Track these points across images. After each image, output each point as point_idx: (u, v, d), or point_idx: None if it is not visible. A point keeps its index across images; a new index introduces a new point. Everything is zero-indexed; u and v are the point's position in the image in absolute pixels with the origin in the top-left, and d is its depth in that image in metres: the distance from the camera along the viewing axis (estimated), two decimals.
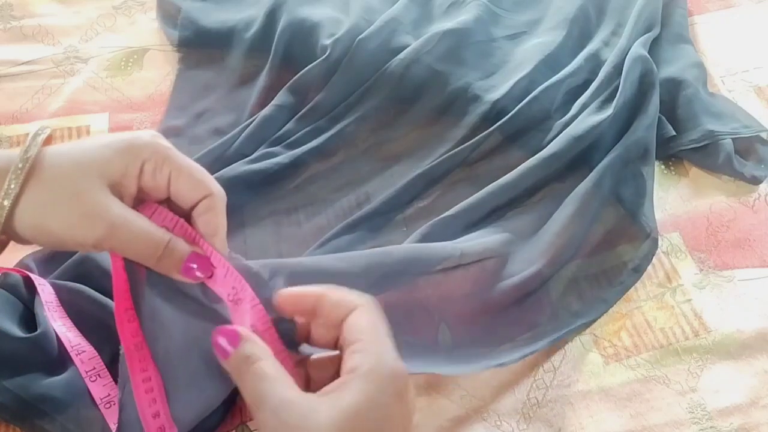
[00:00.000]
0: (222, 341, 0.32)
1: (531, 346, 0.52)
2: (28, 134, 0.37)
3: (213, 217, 0.37)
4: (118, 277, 0.38)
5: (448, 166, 0.62)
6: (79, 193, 0.34)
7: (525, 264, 0.55)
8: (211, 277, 0.36)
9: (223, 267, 0.36)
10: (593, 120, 0.62)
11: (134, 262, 0.37)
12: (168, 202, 0.38)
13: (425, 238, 0.56)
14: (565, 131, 0.61)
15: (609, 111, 0.62)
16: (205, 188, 0.37)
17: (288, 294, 0.35)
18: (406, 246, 0.55)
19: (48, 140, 0.36)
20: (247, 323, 0.34)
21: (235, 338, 0.32)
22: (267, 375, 0.31)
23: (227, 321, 0.36)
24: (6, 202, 0.34)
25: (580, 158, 0.62)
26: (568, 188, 0.59)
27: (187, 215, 0.38)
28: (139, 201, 0.37)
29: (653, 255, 0.57)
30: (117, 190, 0.35)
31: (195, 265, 0.36)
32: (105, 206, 0.34)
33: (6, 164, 0.34)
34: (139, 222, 0.35)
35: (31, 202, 0.34)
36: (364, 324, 0.33)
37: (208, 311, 0.39)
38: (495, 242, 0.55)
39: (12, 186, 0.33)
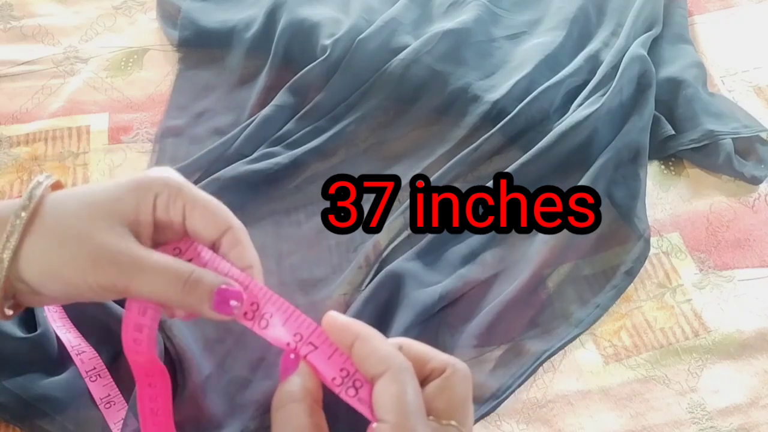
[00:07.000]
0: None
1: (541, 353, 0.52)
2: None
3: (243, 250, 0.34)
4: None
5: (457, 172, 0.62)
6: (86, 234, 0.31)
7: (522, 268, 0.55)
8: (252, 318, 0.32)
9: (280, 310, 0.32)
10: (582, 113, 0.62)
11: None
12: None
13: (426, 243, 0.57)
14: (557, 128, 0.62)
15: (598, 104, 0.62)
16: (223, 221, 0.34)
17: (336, 320, 0.31)
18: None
19: (57, 185, 0.34)
20: (328, 372, 0.30)
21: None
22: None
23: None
24: (5, 255, 0.31)
25: (576, 157, 0.62)
26: (565, 188, 0.59)
27: None
28: (160, 243, 0.34)
29: (646, 257, 0.57)
30: (134, 230, 0.33)
31: (228, 299, 0.32)
32: (112, 245, 0.31)
33: (6, 215, 0.31)
34: (154, 258, 0.32)
35: (36, 249, 0.31)
36: (390, 401, 0.29)
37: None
38: (474, 272, 0.56)
39: (12, 239, 0.31)
